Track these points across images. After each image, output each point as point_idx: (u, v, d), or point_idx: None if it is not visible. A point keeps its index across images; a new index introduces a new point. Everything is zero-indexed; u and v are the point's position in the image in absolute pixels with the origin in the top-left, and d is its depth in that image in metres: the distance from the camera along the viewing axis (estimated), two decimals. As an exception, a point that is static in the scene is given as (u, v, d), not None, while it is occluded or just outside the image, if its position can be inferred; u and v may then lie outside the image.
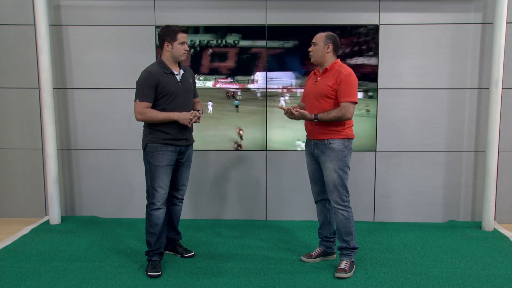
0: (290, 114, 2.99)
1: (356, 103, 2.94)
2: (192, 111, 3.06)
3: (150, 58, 4.02)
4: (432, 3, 3.94)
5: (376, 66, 3.99)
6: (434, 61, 3.99)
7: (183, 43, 2.99)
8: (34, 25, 4.00)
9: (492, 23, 3.82)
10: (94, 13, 4.05)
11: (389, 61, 4.00)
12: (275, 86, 4.05)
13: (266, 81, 4.05)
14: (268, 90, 4.05)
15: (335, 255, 3.29)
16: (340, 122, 2.96)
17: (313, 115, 2.94)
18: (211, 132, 4.10)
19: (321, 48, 3.00)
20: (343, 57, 3.93)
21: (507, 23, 3.75)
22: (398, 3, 3.95)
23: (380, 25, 3.97)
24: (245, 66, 4.06)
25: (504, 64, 3.82)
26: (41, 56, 3.91)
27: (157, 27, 4.03)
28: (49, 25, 3.96)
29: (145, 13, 4.04)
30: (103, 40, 4.07)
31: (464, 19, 3.95)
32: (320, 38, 3.01)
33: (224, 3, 4.01)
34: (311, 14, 3.99)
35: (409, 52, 3.99)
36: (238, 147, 4.09)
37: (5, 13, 4.07)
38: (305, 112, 2.96)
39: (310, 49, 3.06)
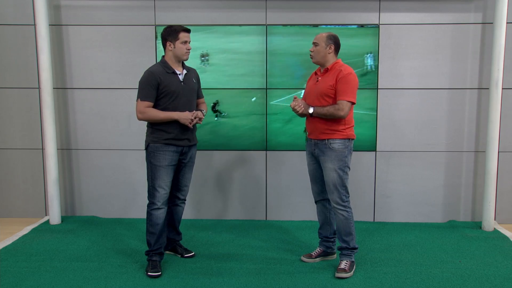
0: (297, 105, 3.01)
1: (353, 103, 2.94)
2: (194, 111, 3.06)
3: (150, 58, 4.02)
4: (432, 3, 3.94)
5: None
6: (434, 61, 3.99)
7: (185, 42, 3.00)
8: (34, 25, 4.00)
9: (492, 23, 3.82)
10: (94, 13, 4.05)
11: (389, 61, 4.00)
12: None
13: (267, 80, 4.05)
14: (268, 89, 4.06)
15: (335, 255, 3.29)
16: (342, 122, 2.96)
17: (309, 107, 2.98)
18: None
19: (322, 48, 2.99)
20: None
21: (507, 23, 3.75)
22: (398, 3, 3.95)
23: (380, 25, 3.97)
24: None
25: (504, 64, 3.82)
26: (41, 56, 3.91)
27: (157, 27, 4.03)
28: (49, 25, 3.96)
29: (145, 13, 4.04)
30: (103, 40, 4.07)
31: (464, 19, 3.95)
32: (321, 38, 3.00)
33: (224, 3, 4.01)
34: (311, 14, 3.99)
35: (409, 52, 3.99)
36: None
37: (5, 13, 4.07)
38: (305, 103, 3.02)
39: (311, 49, 3.04)
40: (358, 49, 3.95)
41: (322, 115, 2.94)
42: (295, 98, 3.06)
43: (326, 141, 2.98)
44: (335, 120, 2.94)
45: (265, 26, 3.99)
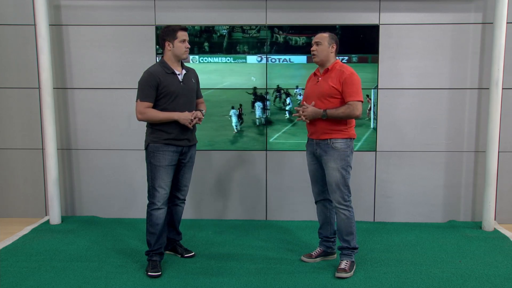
0: (302, 116, 2.97)
1: (362, 101, 2.94)
2: (193, 111, 3.06)
3: (150, 58, 4.02)
4: (432, 3, 3.94)
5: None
6: (434, 61, 3.99)
7: (183, 41, 3.00)
8: (34, 25, 4.00)
9: (492, 23, 3.82)
10: (94, 13, 4.05)
11: (389, 61, 4.00)
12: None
13: (267, 78, 4.05)
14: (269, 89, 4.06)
15: (335, 255, 3.29)
16: (343, 122, 2.96)
17: (321, 110, 2.92)
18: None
19: (326, 48, 2.99)
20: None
21: (507, 23, 3.75)
22: (398, 3, 3.95)
23: (380, 25, 3.97)
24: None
25: (504, 64, 3.82)
26: (41, 56, 3.91)
27: (157, 27, 4.03)
28: (49, 25, 3.96)
29: (145, 13, 4.04)
30: (103, 40, 4.07)
31: (464, 19, 3.95)
32: (324, 38, 3.00)
33: (224, 3, 4.01)
34: (311, 14, 3.99)
35: (409, 52, 3.99)
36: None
37: (5, 13, 4.07)
38: (315, 108, 2.95)
39: (313, 48, 3.02)
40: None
41: (336, 116, 2.92)
42: (302, 104, 3.03)
43: (329, 141, 2.98)
44: (338, 120, 2.95)
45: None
